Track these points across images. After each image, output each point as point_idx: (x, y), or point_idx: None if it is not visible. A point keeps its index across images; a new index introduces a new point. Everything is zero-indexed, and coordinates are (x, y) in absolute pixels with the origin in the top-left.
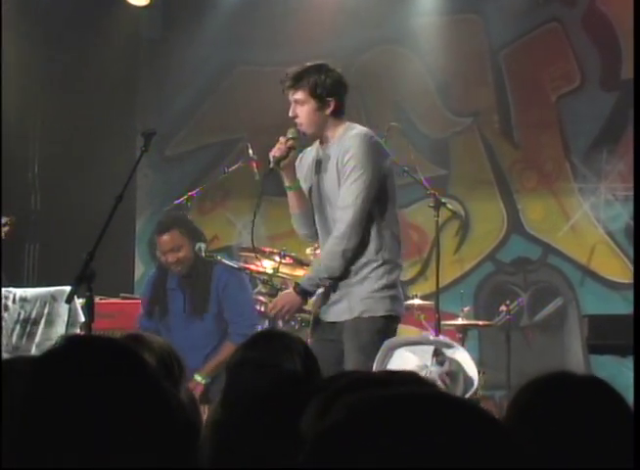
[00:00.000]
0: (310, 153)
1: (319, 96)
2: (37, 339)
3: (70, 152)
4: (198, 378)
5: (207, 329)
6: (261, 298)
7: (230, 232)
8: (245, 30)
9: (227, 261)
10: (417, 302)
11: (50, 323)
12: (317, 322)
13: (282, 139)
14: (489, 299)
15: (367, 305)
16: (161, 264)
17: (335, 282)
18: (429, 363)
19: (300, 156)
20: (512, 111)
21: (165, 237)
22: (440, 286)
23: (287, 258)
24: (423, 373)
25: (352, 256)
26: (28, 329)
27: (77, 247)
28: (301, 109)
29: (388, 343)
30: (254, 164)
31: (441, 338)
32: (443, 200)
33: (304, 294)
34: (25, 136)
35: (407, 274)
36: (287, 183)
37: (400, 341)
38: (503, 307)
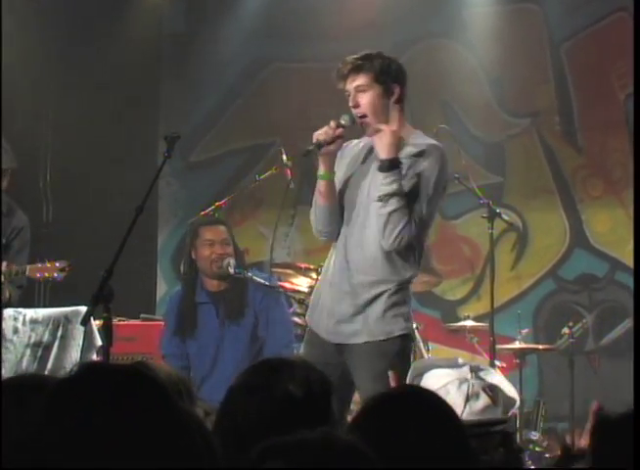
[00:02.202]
0: (358, 144)
1: (384, 81)
2: (50, 365)
3: (86, 158)
4: None
5: (244, 339)
6: (297, 319)
7: (262, 246)
8: (279, 23)
9: (259, 279)
10: (469, 323)
11: (63, 347)
12: (315, 341)
13: (332, 123)
14: (550, 320)
15: (383, 326)
16: (191, 273)
17: (346, 295)
18: (469, 377)
19: (345, 144)
20: (575, 111)
21: (221, 227)
22: (495, 306)
23: None
24: (464, 387)
25: (392, 257)
26: (40, 354)
27: (94, 263)
28: (364, 96)
29: (417, 365)
30: (289, 172)
31: (471, 362)
32: (498, 210)
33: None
34: (36, 141)
35: (458, 293)
36: (321, 171)
37: (429, 363)
38: (566, 330)
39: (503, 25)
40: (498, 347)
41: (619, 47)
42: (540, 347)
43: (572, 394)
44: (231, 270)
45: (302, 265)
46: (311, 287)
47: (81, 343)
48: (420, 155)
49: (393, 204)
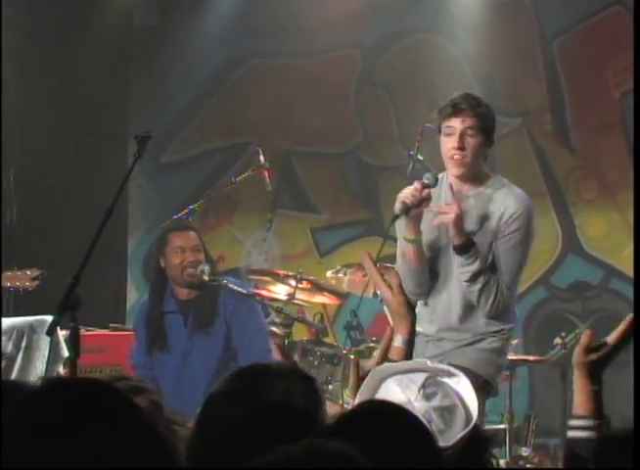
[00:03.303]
0: (438, 195)
1: (490, 130)
2: (13, 377)
3: (52, 159)
4: None
5: (215, 349)
6: (275, 329)
7: (238, 251)
8: (256, 17)
9: (234, 286)
10: None
11: (28, 359)
12: None
13: (417, 184)
14: (541, 330)
15: None
16: (159, 282)
17: None
18: (412, 398)
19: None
20: (567, 109)
21: (191, 233)
22: None
23: (304, 283)
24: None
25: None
26: (3, 365)
27: (60, 269)
28: (472, 140)
29: (377, 371)
30: (266, 173)
31: (442, 365)
32: None
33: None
34: None
35: None
36: (409, 235)
37: (392, 368)
38: (558, 340)
39: (492, 19)
40: None
41: (615, 42)
42: (531, 358)
43: (565, 408)
44: (205, 277)
45: (281, 272)
46: (289, 294)
47: (47, 354)
48: (516, 211)
49: (480, 281)
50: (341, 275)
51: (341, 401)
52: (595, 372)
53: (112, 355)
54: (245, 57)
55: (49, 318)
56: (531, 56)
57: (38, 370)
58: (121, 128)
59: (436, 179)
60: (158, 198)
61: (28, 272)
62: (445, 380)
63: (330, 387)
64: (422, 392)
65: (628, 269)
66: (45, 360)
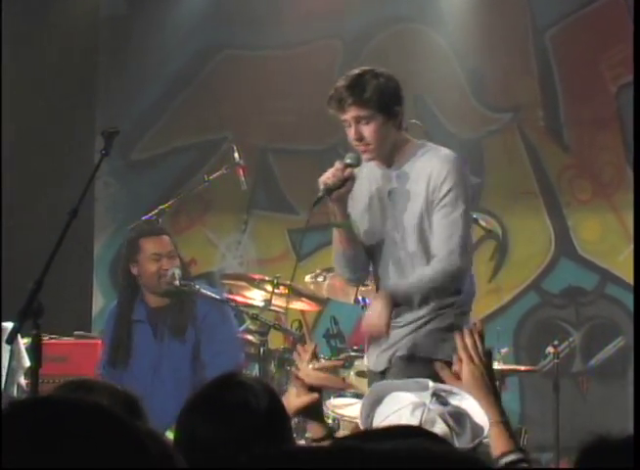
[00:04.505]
0: (364, 180)
1: (387, 106)
2: None
3: (13, 156)
4: (171, 436)
5: (186, 358)
6: (250, 337)
7: (211, 254)
8: (230, 6)
9: (207, 292)
10: None
11: None
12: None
13: (338, 164)
14: (533, 338)
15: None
16: (129, 290)
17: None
18: (427, 401)
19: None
20: (561, 105)
21: (165, 237)
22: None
23: (281, 288)
24: (418, 412)
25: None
26: None
27: (21, 274)
28: (367, 127)
29: (376, 387)
30: (241, 171)
31: (443, 385)
32: (475, 215)
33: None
34: None
35: None
36: (336, 218)
37: (391, 386)
38: (550, 349)
39: (481, 9)
40: None
41: (612, 34)
42: (522, 368)
43: (558, 421)
44: (176, 282)
45: (256, 277)
46: (266, 300)
47: (7, 364)
48: (441, 174)
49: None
50: (320, 280)
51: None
52: (498, 397)
53: (76, 365)
54: (218, 48)
55: (9, 325)
56: (523, 48)
57: None
58: (87, 124)
59: (359, 159)
60: (126, 197)
61: None
62: (448, 398)
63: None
64: (435, 398)
65: (625, 274)
66: (5, 371)
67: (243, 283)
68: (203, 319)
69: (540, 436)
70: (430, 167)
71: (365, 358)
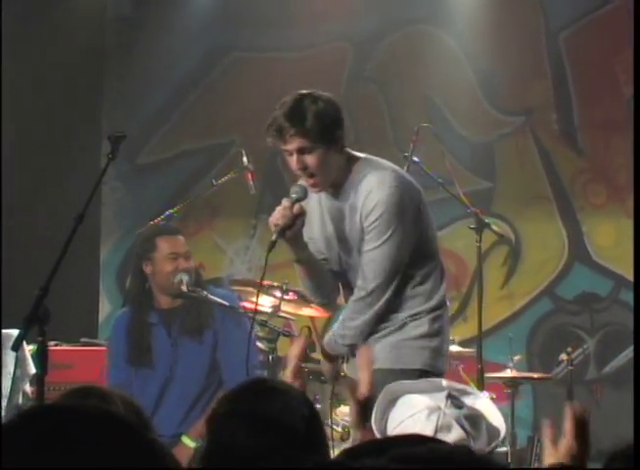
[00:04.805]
0: (315, 206)
1: (329, 133)
2: None
3: (19, 160)
4: (186, 441)
5: (204, 359)
6: (259, 344)
7: (219, 260)
8: (238, 8)
9: (215, 298)
10: (454, 348)
11: None
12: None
13: (285, 202)
14: (546, 345)
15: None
16: (141, 290)
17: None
18: (442, 405)
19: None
20: (574, 108)
21: (181, 237)
22: (484, 329)
23: (290, 294)
24: (434, 417)
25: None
26: None
27: (27, 280)
28: (310, 157)
29: (389, 389)
30: (250, 176)
31: (457, 384)
32: (487, 220)
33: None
34: None
35: None
36: (294, 255)
37: (405, 387)
38: (564, 356)
39: (493, 10)
40: (487, 375)
41: (626, 36)
42: (535, 375)
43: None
44: (184, 288)
45: (265, 282)
46: (274, 306)
47: (12, 371)
48: (370, 199)
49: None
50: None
51: (329, 422)
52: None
53: (82, 372)
54: (226, 50)
55: (15, 332)
56: (535, 49)
57: (3, 388)
58: (94, 127)
59: (306, 191)
60: (133, 202)
61: None
62: (463, 399)
63: (318, 406)
64: (450, 401)
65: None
66: (10, 377)
67: (251, 289)
68: (221, 321)
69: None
70: (365, 195)
71: (345, 367)
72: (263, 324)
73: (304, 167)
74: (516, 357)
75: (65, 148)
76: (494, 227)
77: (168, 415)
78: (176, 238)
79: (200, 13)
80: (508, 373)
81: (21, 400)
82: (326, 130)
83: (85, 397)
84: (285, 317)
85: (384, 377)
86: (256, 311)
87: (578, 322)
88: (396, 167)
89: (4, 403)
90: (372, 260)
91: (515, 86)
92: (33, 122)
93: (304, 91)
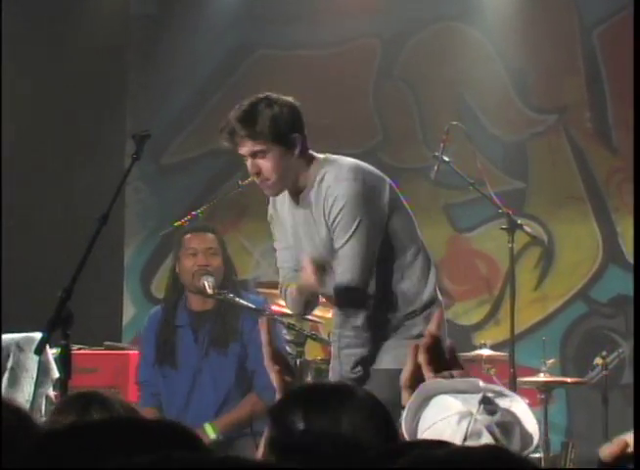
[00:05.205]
0: (287, 216)
1: (283, 136)
2: None
3: (42, 160)
4: (208, 429)
5: (229, 371)
6: (286, 347)
7: (245, 262)
8: (264, 5)
9: (241, 301)
10: (486, 352)
11: (14, 381)
12: None
13: (293, 290)
14: (580, 349)
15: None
16: (174, 290)
17: None
18: (474, 410)
19: (270, 213)
20: (609, 106)
21: (209, 235)
22: (517, 332)
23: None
24: (465, 423)
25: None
26: None
27: (50, 282)
28: (264, 161)
29: (423, 388)
30: None
31: (494, 386)
32: (519, 221)
33: None
34: None
35: (474, 317)
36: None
37: (439, 386)
38: (598, 360)
39: (525, 6)
40: (519, 379)
41: None
42: (569, 380)
43: (607, 434)
44: (209, 291)
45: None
46: None
47: (35, 375)
48: (332, 199)
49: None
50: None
51: None
52: None
53: (106, 376)
54: (252, 48)
55: (38, 336)
56: (569, 46)
57: (26, 393)
58: (118, 127)
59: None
60: (157, 203)
61: None
62: (498, 401)
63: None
64: (482, 407)
65: None
66: (33, 382)
67: (278, 291)
68: (250, 331)
69: (588, 450)
70: (324, 192)
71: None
72: (291, 327)
73: (258, 172)
74: (549, 361)
75: (89, 149)
76: (527, 228)
77: (191, 419)
78: (202, 235)
79: (224, 10)
80: (541, 377)
81: (44, 405)
82: (280, 134)
83: (87, 403)
84: (312, 320)
85: (390, 377)
86: (284, 315)
87: (613, 325)
88: (356, 161)
89: (27, 408)
90: (345, 257)
91: (547, 84)
92: (58, 120)
93: (262, 94)
